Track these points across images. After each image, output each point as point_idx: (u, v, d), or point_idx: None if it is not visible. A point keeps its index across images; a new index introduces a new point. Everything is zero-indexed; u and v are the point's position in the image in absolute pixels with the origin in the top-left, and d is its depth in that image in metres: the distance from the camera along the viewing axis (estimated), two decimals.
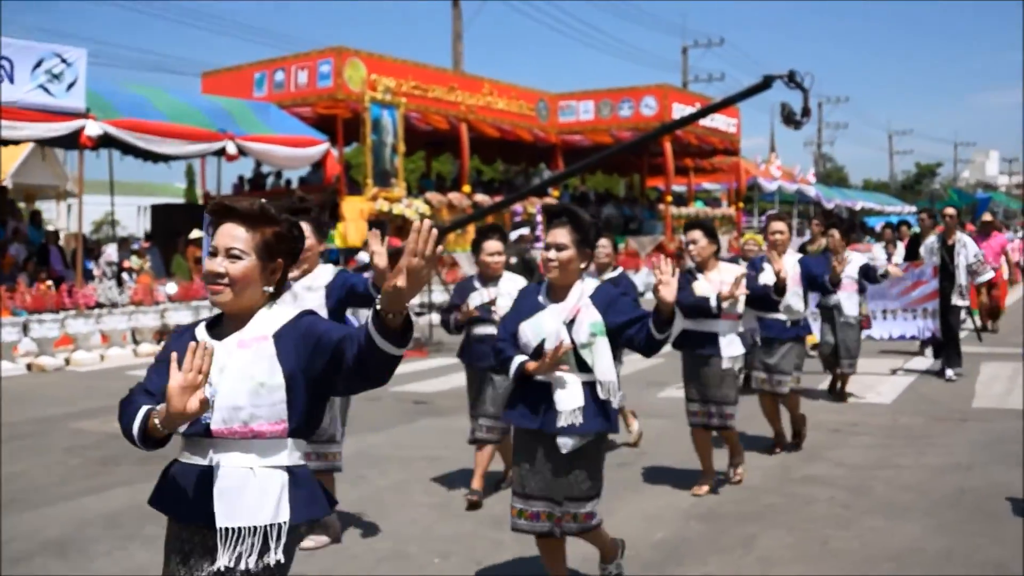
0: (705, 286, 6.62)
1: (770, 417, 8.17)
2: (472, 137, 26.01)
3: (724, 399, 6.72)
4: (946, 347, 11.72)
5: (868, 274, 9.95)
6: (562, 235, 4.37)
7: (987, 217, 17.68)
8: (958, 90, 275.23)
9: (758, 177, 36.61)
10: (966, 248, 11.62)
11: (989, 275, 12.16)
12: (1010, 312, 19.67)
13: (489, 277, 6.65)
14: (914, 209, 44.71)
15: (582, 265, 4.44)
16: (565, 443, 4.30)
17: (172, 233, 19.28)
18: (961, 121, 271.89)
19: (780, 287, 6.88)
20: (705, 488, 6.86)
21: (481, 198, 24.97)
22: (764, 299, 6.97)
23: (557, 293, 4.48)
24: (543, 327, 4.40)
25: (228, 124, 18.62)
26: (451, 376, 11.86)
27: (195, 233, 17.15)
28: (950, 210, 12.13)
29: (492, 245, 6.62)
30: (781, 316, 7.76)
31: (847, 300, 9.93)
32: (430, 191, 24.86)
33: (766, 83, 13.87)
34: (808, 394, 10.02)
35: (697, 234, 6.84)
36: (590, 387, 4.36)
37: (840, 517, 6.26)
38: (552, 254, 4.37)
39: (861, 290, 10.25)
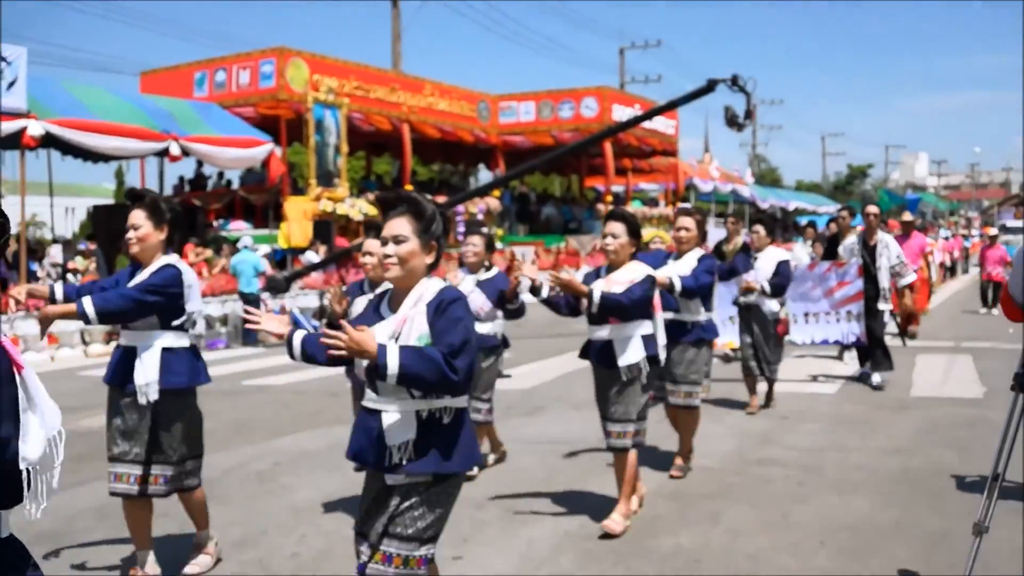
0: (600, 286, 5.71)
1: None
2: (413, 138, 26.14)
3: (622, 416, 5.76)
4: (872, 351, 11.01)
5: (782, 272, 9.39)
6: (400, 225, 3.55)
7: (907, 216, 16.88)
8: (888, 94, 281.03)
9: (694, 178, 37.16)
10: (888, 249, 10.86)
11: (912, 277, 11.19)
12: (938, 309, 20.36)
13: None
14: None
15: (427, 261, 3.61)
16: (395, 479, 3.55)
17: (115, 234, 19.14)
18: (891, 124, 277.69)
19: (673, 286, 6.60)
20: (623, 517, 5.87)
21: None
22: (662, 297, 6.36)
23: (397, 299, 3.65)
24: None
25: (170, 124, 18.60)
26: None
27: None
28: (872, 208, 11.20)
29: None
30: (681, 317, 6.97)
31: (766, 300, 9.49)
32: (372, 191, 24.94)
33: (710, 87, 14.22)
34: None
35: (619, 228, 5.83)
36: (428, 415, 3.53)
37: (796, 494, 6.58)
38: (389, 248, 3.55)
39: (780, 291, 9.53)
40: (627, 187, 36.30)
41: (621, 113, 29.80)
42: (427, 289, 3.58)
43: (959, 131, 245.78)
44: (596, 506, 6.28)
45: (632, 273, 5.77)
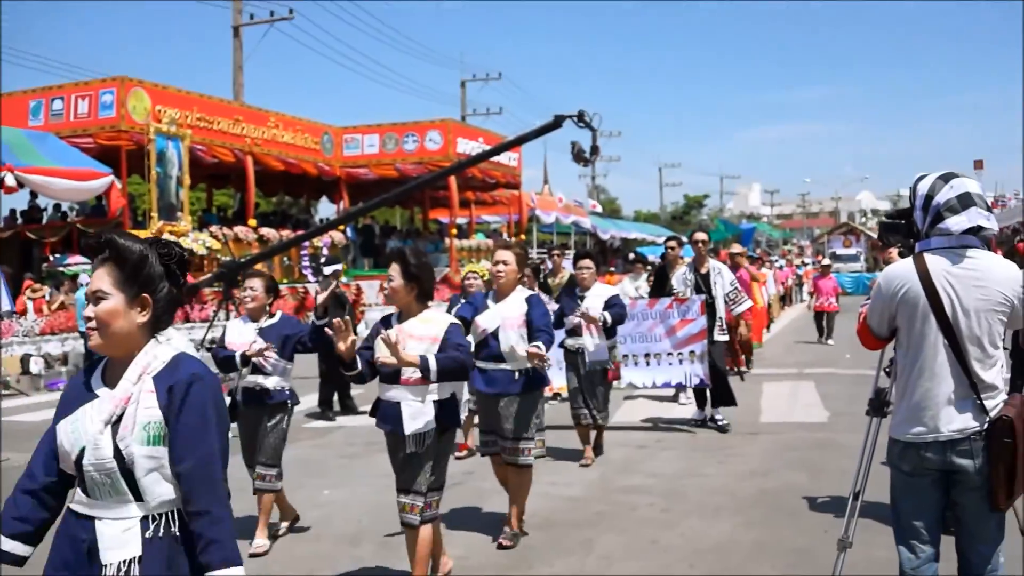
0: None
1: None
2: (257, 170, 25.81)
3: (415, 488, 5.09)
4: (714, 387, 10.42)
5: (617, 303, 8.82)
6: (100, 278, 2.71)
7: (736, 248, 16.32)
8: (722, 127, 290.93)
9: (537, 209, 37.73)
10: (722, 276, 10.51)
11: (747, 304, 10.83)
12: (775, 339, 21.17)
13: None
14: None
15: (139, 320, 2.71)
16: None
17: None
18: (726, 155, 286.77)
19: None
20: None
21: (267, 231, 24.84)
22: (480, 344, 6.20)
23: (114, 372, 2.76)
24: (79, 433, 2.68)
25: (4, 154, 17.86)
26: None
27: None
28: (700, 235, 10.74)
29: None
30: (506, 365, 6.20)
31: (593, 342, 8.72)
32: (214, 224, 24.52)
33: (557, 123, 14.54)
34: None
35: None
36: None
37: (662, 519, 6.87)
38: (89, 311, 2.73)
39: (620, 320, 8.91)
40: (470, 219, 36.61)
41: (465, 146, 30.11)
42: (154, 358, 2.72)
43: (790, 162, 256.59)
44: (473, 538, 6.42)
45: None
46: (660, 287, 11.23)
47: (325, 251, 25.36)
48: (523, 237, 37.16)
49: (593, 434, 9.14)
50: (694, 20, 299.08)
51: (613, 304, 8.76)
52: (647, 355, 10.64)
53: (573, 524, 6.79)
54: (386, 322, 5.19)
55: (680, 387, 11.28)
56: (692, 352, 10.40)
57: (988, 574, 3.80)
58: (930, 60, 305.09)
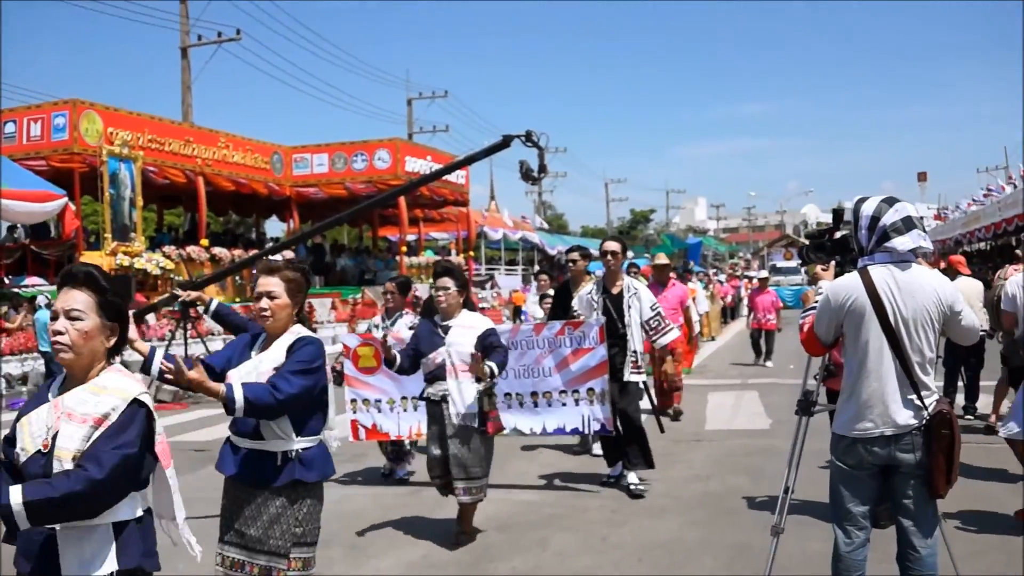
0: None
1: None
2: (208, 190, 26.03)
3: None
4: (625, 443, 8.29)
5: (495, 351, 6.68)
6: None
7: (662, 259, 13.23)
8: (666, 142, 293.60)
9: (484, 226, 38.22)
10: (639, 299, 8.34)
11: (674, 334, 8.67)
12: (712, 358, 21.37)
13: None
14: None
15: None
16: None
17: None
18: (671, 171, 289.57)
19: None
20: None
21: (219, 251, 25.07)
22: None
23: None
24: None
25: None
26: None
27: None
28: (611, 245, 8.50)
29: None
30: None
31: (459, 387, 6.65)
32: (166, 245, 24.72)
33: (505, 142, 15.01)
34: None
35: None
36: None
37: (612, 519, 7.39)
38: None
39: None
40: (419, 236, 37.01)
41: (413, 164, 30.51)
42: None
43: (734, 177, 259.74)
44: (436, 536, 6.89)
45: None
46: (561, 310, 8.88)
47: None
48: (472, 254, 37.64)
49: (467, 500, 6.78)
50: (638, 37, 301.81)
51: (491, 344, 6.69)
52: (534, 394, 8.40)
53: (529, 524, 7.27)
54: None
55: (577, 433, 8.86)
56: (590, 390, 8.24)
57: (928, 557, 4.27)
58: (870, 75, 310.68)
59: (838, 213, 5.14)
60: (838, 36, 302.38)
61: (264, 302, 4.36)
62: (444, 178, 32.77)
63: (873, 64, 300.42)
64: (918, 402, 4.21)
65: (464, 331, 6.69)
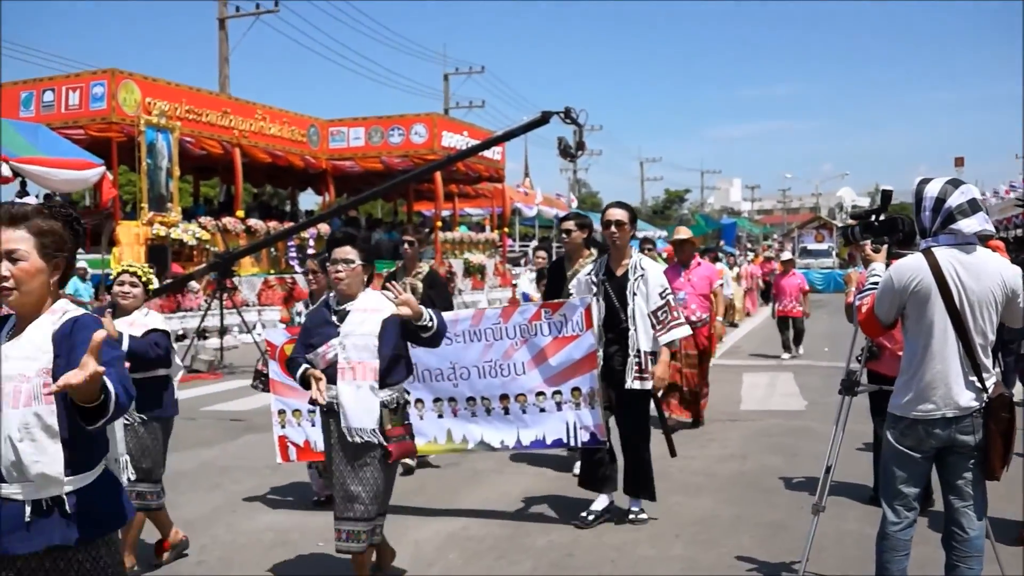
0: None
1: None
2: (244, 162, 26.10)
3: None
4: (629, 466, 6.65)
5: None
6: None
7: (683, 233, 10.86)
8: (701, 122, 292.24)
9: (519, 203, 38.14)
10: (646, 281, 6.47)
11: (681, 331, 6.54)
12: (756, 330, 21.43)
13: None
14: (664, 234, 45.68)
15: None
16: None
17: None
18: (706, 151, 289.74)
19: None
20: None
21: (254, 223, 25.16)
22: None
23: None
24: None
25: None
26: (255, 396, 10.58)
27: None
28: (617, 212, 6.59)
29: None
30: None
31: (356, 394, 4.91)
32: (202, 215, 24.81)
33: (544, 119, 14.98)
34: None
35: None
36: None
37: None
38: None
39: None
40: (454, 211, 36.99)
41: (451, 139, 30.46)
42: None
43: (769, 158, 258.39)
44: (471, 510, 6.90)
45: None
46: (554, 295, 7.42)
47: (311, 242, 25.74)
48: (506, 230, 37.59)
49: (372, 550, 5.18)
50: (676, 17, 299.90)
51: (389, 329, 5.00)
52: (504, 397, 6.59)
53: (567, 502, 7.21)
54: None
55: (561, 446, 6.79)
56: (575, 390, 6.44)
57: (975, 539, 4.27)
58: (905, 57, 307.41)
59: (887, 194, 5.08)
60: (870, 19, 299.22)
61: (3, 267, 2.88)
62: (480, 154, 32.79)
63: (911, 46, 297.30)
64: (979, 384, 4.19)
65: (365, 316, 4.97)
